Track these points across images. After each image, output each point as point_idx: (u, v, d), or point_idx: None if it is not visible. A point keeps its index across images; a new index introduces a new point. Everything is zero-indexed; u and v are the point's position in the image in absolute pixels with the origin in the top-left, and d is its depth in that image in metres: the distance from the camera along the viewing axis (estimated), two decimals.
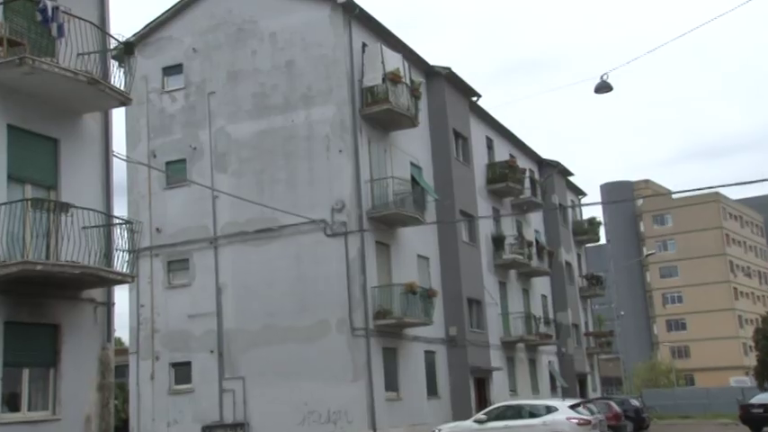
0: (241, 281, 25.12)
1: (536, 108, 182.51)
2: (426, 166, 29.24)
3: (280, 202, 24.53)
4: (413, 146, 28.26)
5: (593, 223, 49.20)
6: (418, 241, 27.50)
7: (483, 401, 29.11)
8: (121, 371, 24.08)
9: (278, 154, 25.34)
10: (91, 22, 14.49)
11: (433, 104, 30.00)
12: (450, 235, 29.19)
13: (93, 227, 13.90)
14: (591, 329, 48.56)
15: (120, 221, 14.60)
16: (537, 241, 39.33)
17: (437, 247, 29.10)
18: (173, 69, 27.27)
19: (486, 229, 33.58)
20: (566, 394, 38.10)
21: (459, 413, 26.92)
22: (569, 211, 46.81)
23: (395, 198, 25.21)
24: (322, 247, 24.20)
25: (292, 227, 24.52)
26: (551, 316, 40.62)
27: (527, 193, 37.60)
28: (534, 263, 37.11)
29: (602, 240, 57.04)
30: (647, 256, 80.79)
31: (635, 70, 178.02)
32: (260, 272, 24.88)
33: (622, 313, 77.94)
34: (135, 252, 14.72)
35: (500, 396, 30.67)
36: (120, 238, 14.36)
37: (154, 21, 27.50)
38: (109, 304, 14.89)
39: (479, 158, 34.17)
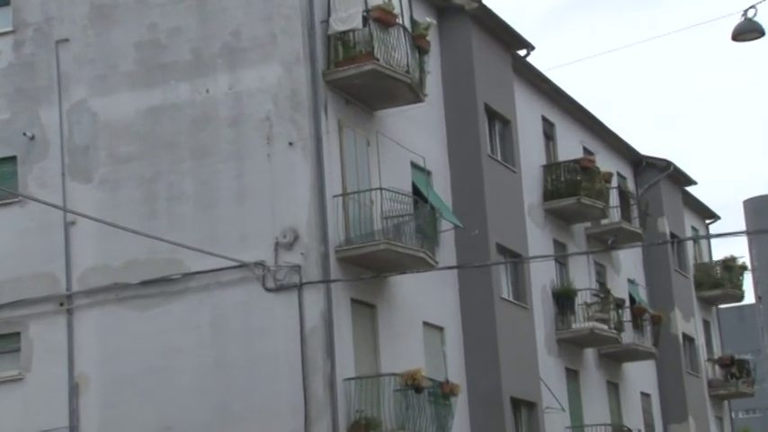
0: (115, 371, 25.05)
1: (627, 69, 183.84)
2: (439, 170, 29.47)
3: (185, 231, 24.62)
4: (416, 135, 28.42)
5: (732, 268, 49.10)
6: (425, 299, 27.59)
7: None
8: None
9: (182, 149, 25.47)
10: None
11: (452, 64, 30.28)
12: (480, 288, 29.31)
13: None
14: None
15: None
16: (633, 299, 39.46)
17: (458, 310, 29.27)
18: None
19: (542, 277, 33.75)
20: None
21: None
22: (689, 246, 46.76)
23: (384, 225, 25.27)
24: (259, 309, 24.31)
25: (207, 274, 24.62)
26: (661, 431, 40.38)
27: (614, 215, 37.74)
28: (628, 336, 37.22)
29: (749, 298, 56.82)
30: None
31: None
32: (149, 354, 24.84)
33: None
34: None
35: None
36: None
37: None
38: None
39: (531, 155, 34.41)
